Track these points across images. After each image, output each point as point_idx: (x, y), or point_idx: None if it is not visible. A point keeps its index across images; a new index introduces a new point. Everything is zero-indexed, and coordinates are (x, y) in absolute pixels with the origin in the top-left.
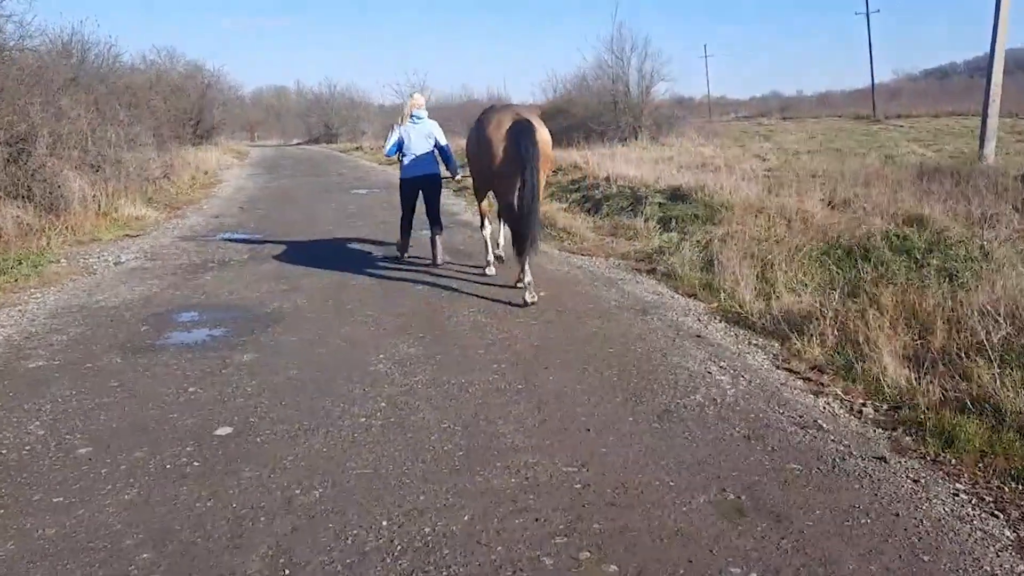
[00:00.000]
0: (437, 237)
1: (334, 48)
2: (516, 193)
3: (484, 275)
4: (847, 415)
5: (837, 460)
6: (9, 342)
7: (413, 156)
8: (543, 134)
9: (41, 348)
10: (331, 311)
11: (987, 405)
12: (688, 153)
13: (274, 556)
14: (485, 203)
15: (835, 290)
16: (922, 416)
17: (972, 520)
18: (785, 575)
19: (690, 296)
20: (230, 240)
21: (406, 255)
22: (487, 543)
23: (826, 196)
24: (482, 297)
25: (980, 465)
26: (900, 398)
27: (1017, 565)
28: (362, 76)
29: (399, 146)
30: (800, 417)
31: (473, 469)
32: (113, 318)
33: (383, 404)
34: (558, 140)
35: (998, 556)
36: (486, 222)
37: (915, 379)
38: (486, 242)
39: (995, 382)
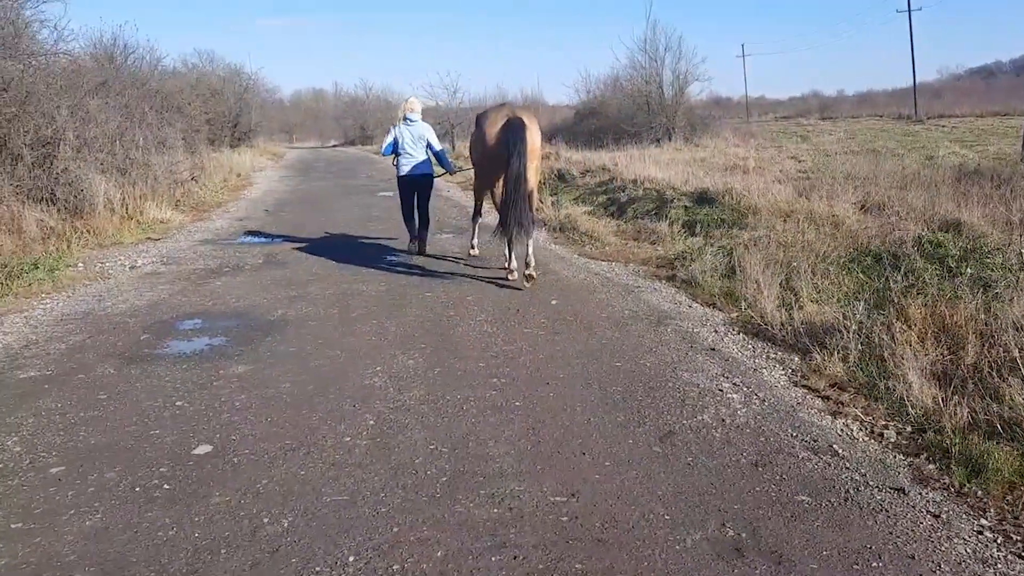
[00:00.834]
0: (425, 233)
1: (371, 50)
2: (503, 181)
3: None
4: (866, 438)
5: (851, 491)
6: (7, 351)
7: (407, 156)
8: (533, 130)
9: (37, 357)
10: (335, 319)
11: (1019, 429)
12: (722, 154)
13: None
14: (484, 199)
15: (861, 301)
16: (947, 441)
17: (997, 563)
18: None
19: (709, 305)
20: (249, 244)
21: (414, 246)
22: None
23: (859, 199)
24: (492, 305)
25: (1009, 498)
26: (925, 420)
27: None
28: (397, 78)
29: (394, 146)
30: (814, 441)
31: (455, 497)
32: (116, 325)
33: (371, 422)
34: (590, 142)
35: None
36: (478, 215)
37: (942, 399)
38: (473, 229)
39: None
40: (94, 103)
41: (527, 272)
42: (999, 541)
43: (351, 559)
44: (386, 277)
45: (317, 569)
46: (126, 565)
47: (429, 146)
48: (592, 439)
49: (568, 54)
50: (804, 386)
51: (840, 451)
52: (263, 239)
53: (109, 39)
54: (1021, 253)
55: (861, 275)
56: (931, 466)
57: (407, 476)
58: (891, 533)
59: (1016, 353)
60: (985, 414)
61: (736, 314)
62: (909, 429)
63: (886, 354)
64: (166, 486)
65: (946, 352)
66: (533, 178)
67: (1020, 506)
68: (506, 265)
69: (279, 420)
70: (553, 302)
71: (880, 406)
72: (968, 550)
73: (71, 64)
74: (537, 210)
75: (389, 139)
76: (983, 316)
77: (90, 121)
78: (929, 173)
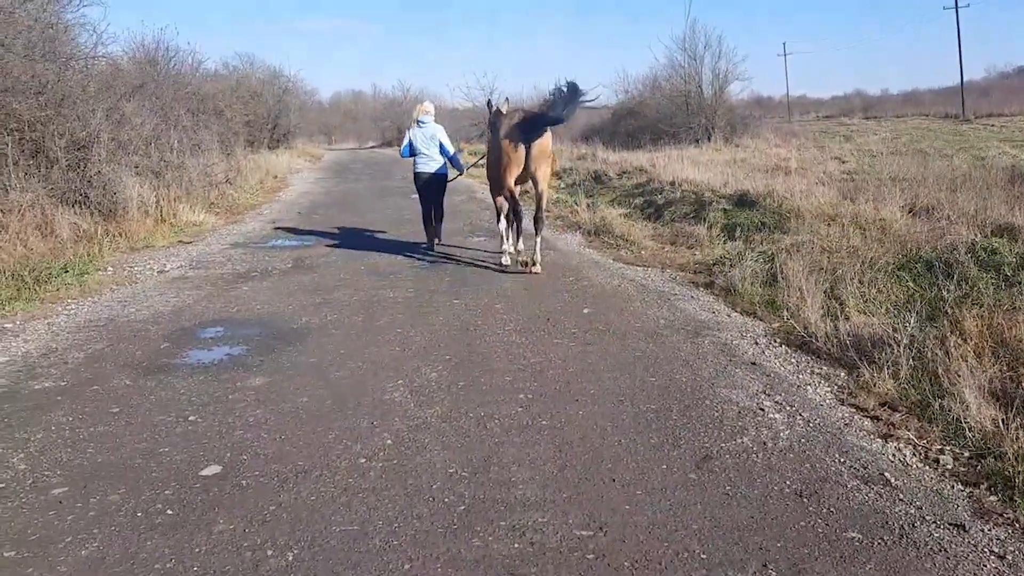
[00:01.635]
0: (439, 225)
1: (409, 52)
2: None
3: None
4: (920, 465)
5: (906, 527)
6: (26, 359)
7: (422, 155)
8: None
9: (54, 367)
10: (359, 327)
11: None
12: (762, 155)
13: None
14: (500, 199)
15: (912, 311)
16: (1010, 468)
17: None
18: None
19: (749, 314)
20: (279, 248)
21: (435, 243)
22: None
23: (907, 202)
24: (522, 314)
25: None
26: (984, 444)
27: None
28: (434, 78)
29: (411, 148)
30: (864, 468)
31: (472, 529)
32: (137, 333)
33: (389, 441)
34: (628, 143)
35: None
36: (501, 217)
37: (1002, 420)
38: (501, 235)
39: None
40: (130, 106)
41: (530, 260)
42: None
43: None
44: (414, 283)
45: None
46: None
47: (441, 147)
48: (623, 463)
49: (606, 53)
50: (852, 405)
51: (892, 480)
52: (294, 242)
53: (151, 42)
54: None
55: (911, 283)
56: (992, 497)
57: (423, 504)
58: None
59: None
60: None
61: (778, 324)
62: (967, 454)
63: (940, 370)
64: (169, 511)
65: (1005, 368)
66: (544, 177)
67: None
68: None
69: (292, 438)
70: (585, 311)
71: (934, 428)
72: None
73: (109, 67)
74: (546, 211)
75: (405, 141)
76: None
77: (125, 124)
78: (980, 175)
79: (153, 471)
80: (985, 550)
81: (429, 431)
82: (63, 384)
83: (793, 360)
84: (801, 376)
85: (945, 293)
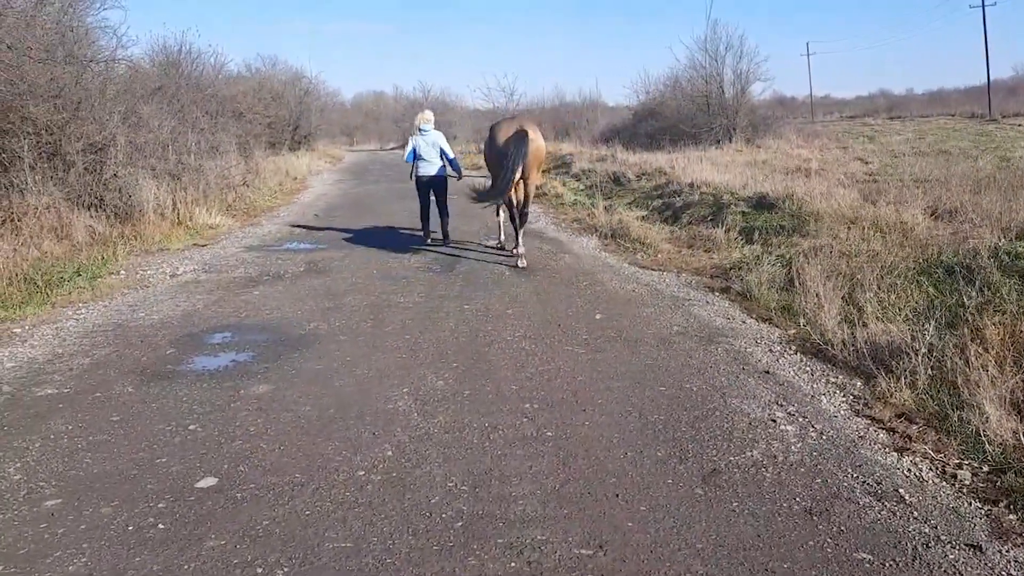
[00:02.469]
0: (446, 221)
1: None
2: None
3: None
4: (936, 480)
5: (919, 548)
6: (31, 365)
7: (424, 161)
8: (536, 140)
9: (59, 373)
10: (367, 334)
11: None
12: (784, 156)
13: None
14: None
15: (931, 318)
16: None
17: None
18: None
19: (764, 321)
20: (293, 251)
21: (429, 240)
22: None
23: (930, 204)
24: (533, 319)
25: None
26: (1004, 459)
27: None
28: (455, 79)
29: (414, 154)
30: (878, 484)
31: (469, 547)
32: (144, 338)
33: (389, 453)
34: (648, 144)
35: None
36: (501, 211)
37: (1023, 434)
38: (499, 224)
39: None
40: (147, 108)
41: (516, 251)
42: None
43: None
44: (426, 287)
45: None
46: None
47: (443, 153)
48: (627, 477)
49: (627, 54)
50: (867, 416)
51: (907, 496)
52: (308, 245)
53: (174, 45)
54: None
55: (932, 289)
56: (1012, 516)
57: (420, 519)
58: None
59: None
60: None
61: (794, 331)
62: (986, 469)
63: (959, 380)
64: (161, 525)
65: None
66: (534, 180)
67: None
68: (504, 246)
69: (292, 449)
70: (598, 316)
71: (953, 441)
72: None
73: (130, 70)
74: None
75: (409, 148)
76: None
77: (142, 127)
78: (1005, 176)
79: (148, 483)
80: (1003, 573)
81: (431, 442)
82: (66, 391)
83: (808, 369)
84: (816, 385)
85: (966, 299)
